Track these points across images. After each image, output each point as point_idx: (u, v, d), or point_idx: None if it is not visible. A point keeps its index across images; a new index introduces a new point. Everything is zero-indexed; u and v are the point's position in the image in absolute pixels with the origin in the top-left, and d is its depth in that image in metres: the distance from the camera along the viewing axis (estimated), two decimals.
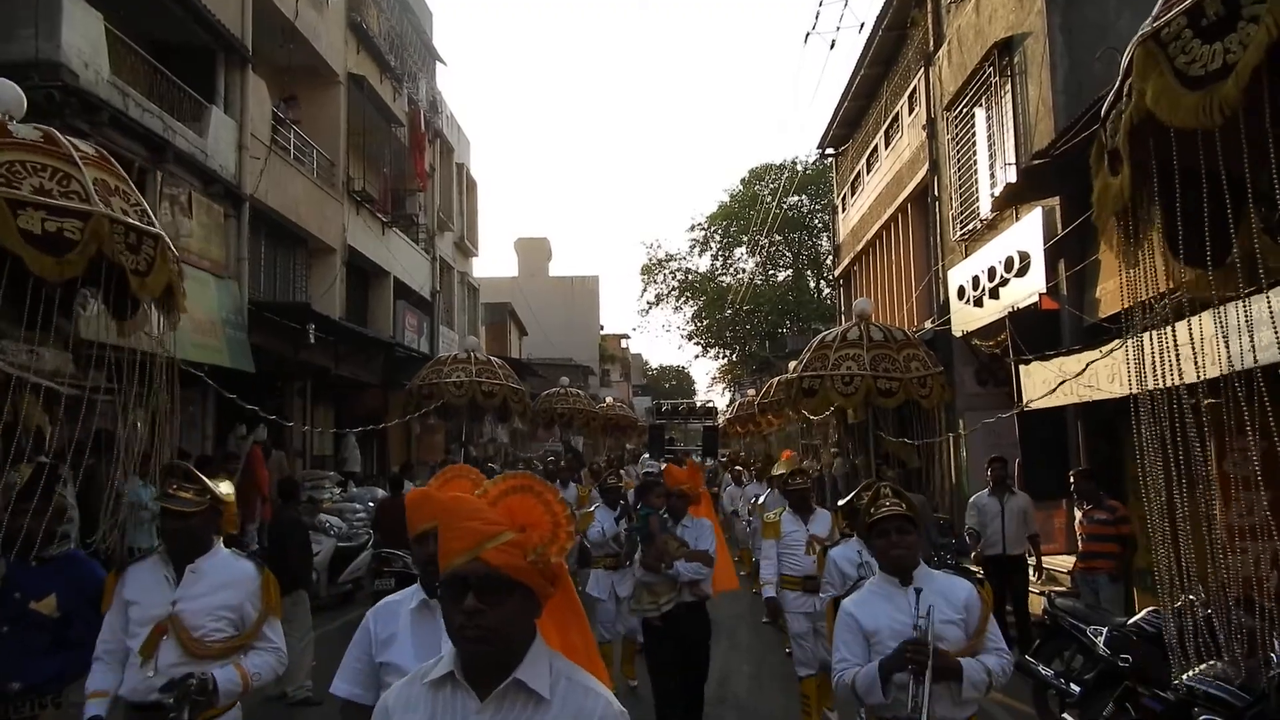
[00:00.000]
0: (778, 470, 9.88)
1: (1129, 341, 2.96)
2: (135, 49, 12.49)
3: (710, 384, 61.10)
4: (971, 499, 9.96)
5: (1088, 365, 7.88)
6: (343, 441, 18.55)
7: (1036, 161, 9.33)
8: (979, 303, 12.40)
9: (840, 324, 23.20)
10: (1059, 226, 10.33)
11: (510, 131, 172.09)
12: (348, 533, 13.45)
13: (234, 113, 14.76)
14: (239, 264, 14.73)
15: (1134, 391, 3.04)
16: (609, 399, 22.90)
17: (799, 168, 38.90)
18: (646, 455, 27.46)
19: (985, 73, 12.40)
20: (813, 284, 43.88)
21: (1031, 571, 9.80)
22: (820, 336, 9.91)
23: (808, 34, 17.69)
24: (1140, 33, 2.49)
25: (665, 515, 6.37)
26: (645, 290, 48.88)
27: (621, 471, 19.58)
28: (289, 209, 16.50)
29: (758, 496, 12.31)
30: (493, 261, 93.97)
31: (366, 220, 20.43)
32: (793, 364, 17.53)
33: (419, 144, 22.74)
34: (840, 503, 6.82)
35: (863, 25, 16.81)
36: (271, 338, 15.03)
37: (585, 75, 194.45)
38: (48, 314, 4.24)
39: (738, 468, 17.11)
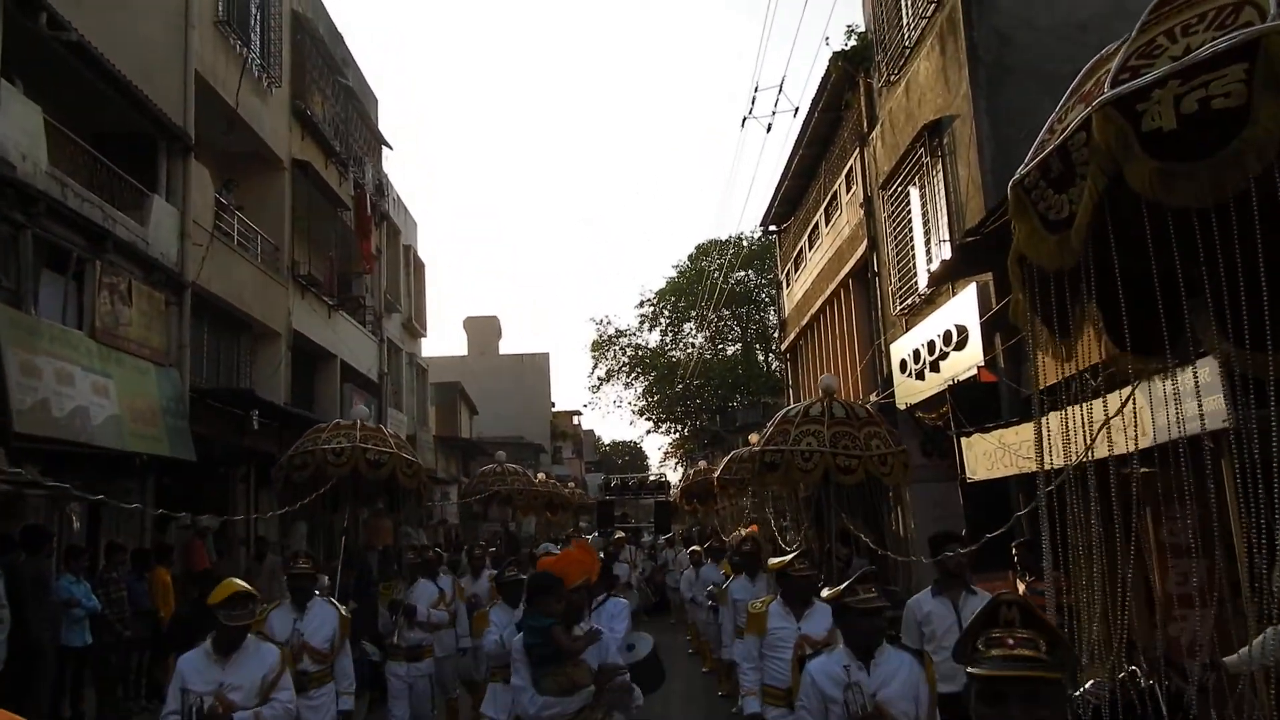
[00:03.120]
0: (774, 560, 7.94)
1: (1061, 413, 3.08)
2: (74, 139, 12.47)
3: (663, 459, 60.98)
4: (909, 603, 6.35)
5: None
6: (290, 529, 18.18)
7: (968, 239, 9.59)
8: (921, 375, 12.60)
9: (789, 398, 23.48)
10: (993, 300, 10.57)
11: (457, 212, 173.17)
12: None
13: (176, 200, 14.71)
14: (180, 351, 14.54)
15: (1049, 466, 3.16)
16: (541, 475, 22.41)
17: (744, 243, 39.53)
18: (596, 534, 27.25)
19: (917, 153, 12.78)
20: (761, 357, 44.30)
21: None
22: (784, 411, 9.88)
23: (744, 119, 18.17)
24: (1012, 180, 2.70)
25: (556, 624, 4.96)
26: (596, 367, 49.01)
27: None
28: (232, 295, 16.39)
29: (716, 583, 10.77)
30: (442, 340, 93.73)
31: (312, 304, 20.33)
32: (753, 436, 17.57)
33: (365, 227, 22.77)
34: (826, 593, 4.91)
35: (797, 110, 17.28)
36: (214, 425, 14.83)
37: (532, 156, 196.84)
38: None
39: (695, 548, 14.89)
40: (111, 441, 11.72)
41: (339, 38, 23.35)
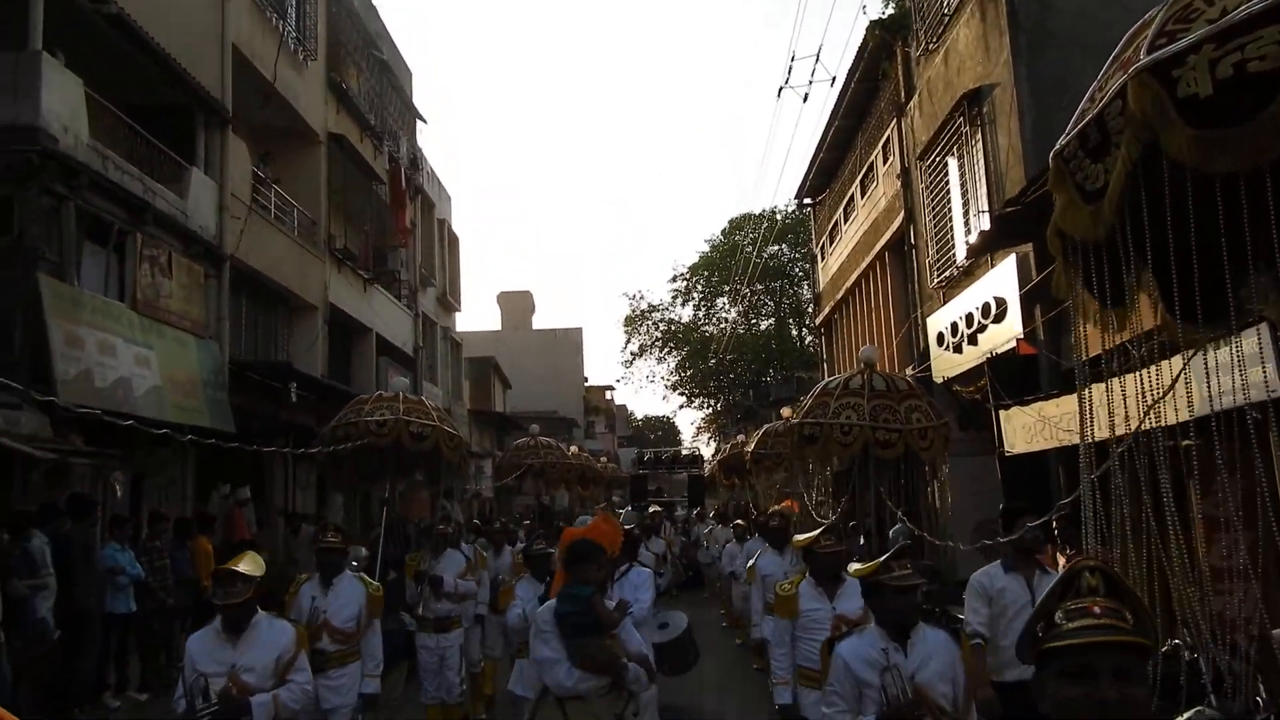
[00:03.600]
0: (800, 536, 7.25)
1: (1106, 385, 3.03)
2: (114, 112, 12.57)
3: (695, 433, 61.00)
4: (974, 579, 5.82)
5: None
6: (327, 500, 18.38)
7: (1008, 209, 9.46)
8: (958, 349, 12.48)
9: (823, 372, 23.36)
10: (1033, 272, 10.44)
11: (491, 186, 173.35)
12: None
13: (214, 173, 14.83)
14: (220, 324, 14.71)
15: (1096, 438, 3.11)
16: (574, 448, 22.32)
17: (778, 217, 39.29)
18: (630, 508, 27.29)
19: (955, 122, 12.60)
20: (795, 332, 44.10)
21: None
22: (824, 383, 9.66)
23: (780, 89, 18.03)
24: (1053, 150, 2.66)
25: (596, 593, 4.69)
26: (629, 341, 49.03)
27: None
28: (270, 268, 16.53)
29: (752, 555, 10.00)
30: (475, 315, 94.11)
31: (348, 277, 20.46)
32: (786, 410, 17.50)
33: (400, 201, 22.86)
34: (854, 567, 4.58)
35: (834, 79, 17.08)
36: (253, 397, 14.98)
37: (565, 129, 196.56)
38: None
39: (739, 522, 14.36)
40: (153, 412, 11.86)
41: (373, 11, 23.35)
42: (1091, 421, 2.77)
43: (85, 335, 10.85)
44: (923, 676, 3.80)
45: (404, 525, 9.47)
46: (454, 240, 31.35)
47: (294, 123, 18.36)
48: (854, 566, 4.37)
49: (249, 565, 4.79)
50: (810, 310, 41.54)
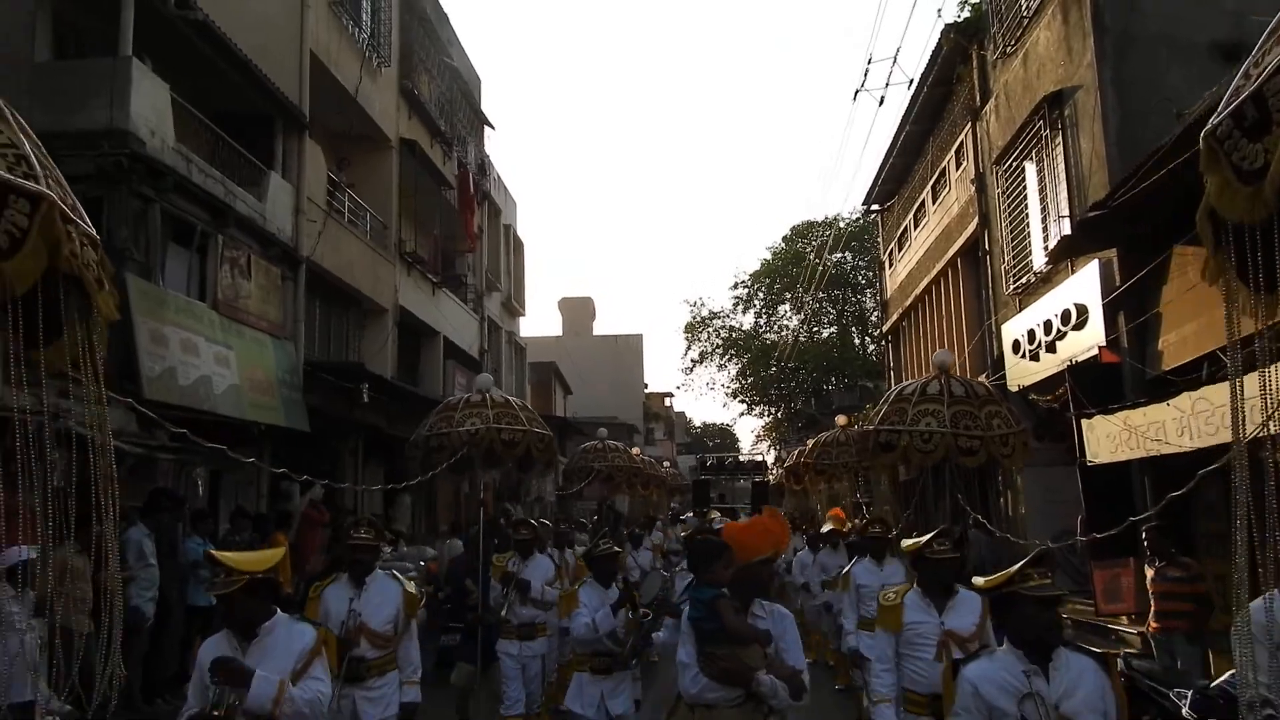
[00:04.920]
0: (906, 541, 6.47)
1: (1230, 384, 2.88)
2: (198, 116, 12.87)
3: (755, 441, 60.68)
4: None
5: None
6: (395, 501, 18.59)
7: (1093, 213, 9.26)
8: (1035, 357, 12.25)
9: (889, 381, 23.07)
10: (1117, 279, 10.22)
11: (555, 192, 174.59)
12: None
13: (291, 177, 15.12)
14: (295, 325, 14.98)
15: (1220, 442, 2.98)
16: (635, 450, 22.17)
17: (841, 224, 38.98)
18: (690, 514, 27.17)
19: (1035, 126, 12.39)
20: (858, 340, 43.70)
21: None
22: (899, 388, 9.41)
23: (857, 91, 17.97)
24: (1204, 130, 2.55)
25: (723, 595, 4.31)
26: (689, 348, 48.94)
27: (660, 533, 18.85)
28: (344, 270, 16.80)
29: (841, 567, 9.49)
30: (537, 321, 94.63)
31: (417, 281, 20.72)
32: (841, 418, 17.32)
33: (468, 206, 23.11)
34: (979, 581, 4.20)
35: (912, 81, 16.90)
36: (325, 397, 15.21)
37: (629, 136, 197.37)
38: None
39: (814, 531, 13.17)
40: (232, 410, 12.12)
41: (444, 18, 23.64)
42: (1242, 417, 2.62)
43: (169, 334, 11.11)
44: (1069, 707, 3.35)
45: (502, 523, 9.19)
46: (519, 246, 31.60)
47: (367, 128, 18.65)
48: (977, 579, 3.93)
49: (244, 557, 4.28)
50: (875, 318, 41.20)
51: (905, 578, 7.30)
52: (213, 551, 4.34)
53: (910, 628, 5.07)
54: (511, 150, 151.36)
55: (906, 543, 5.57)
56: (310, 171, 15.58)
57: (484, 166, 26.22)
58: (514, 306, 30.63)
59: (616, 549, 6.96)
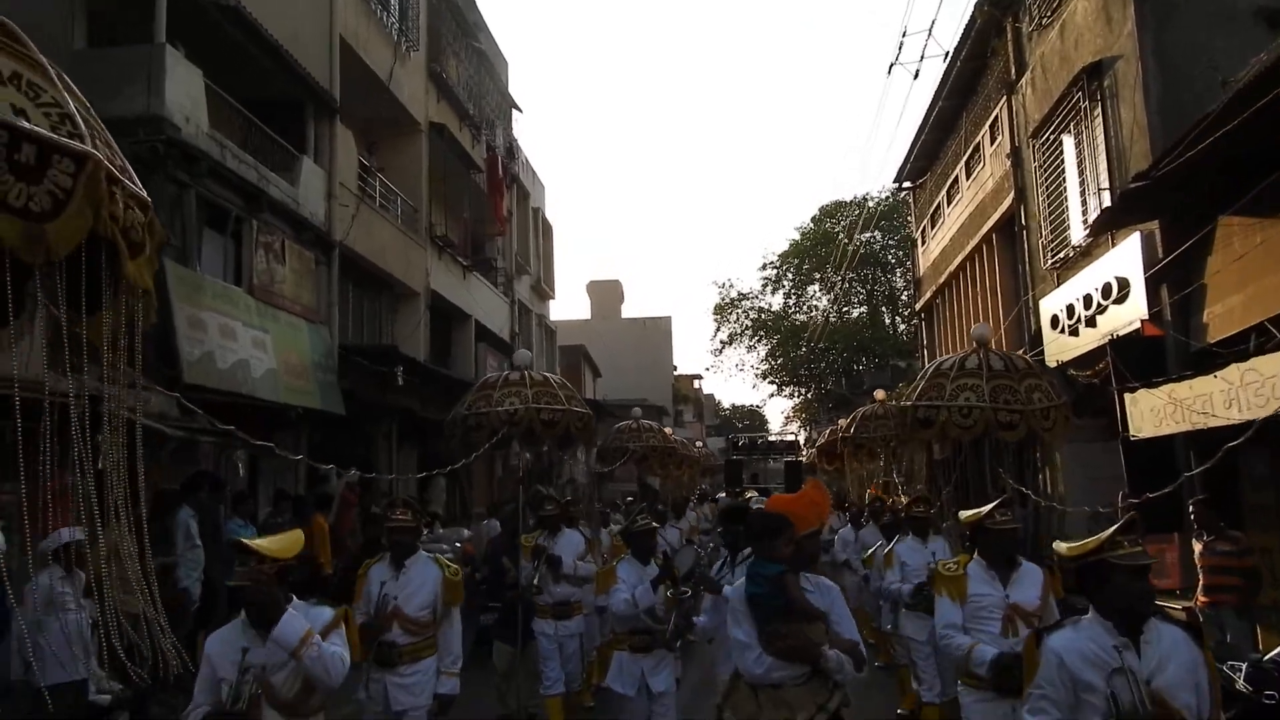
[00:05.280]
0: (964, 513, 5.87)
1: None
2: (230, 102, 12.91)
3: (785, 422, 60.51)
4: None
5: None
6: (429, 483, 18.68)
7: (1136, 184, 9.11)
8: (1075, 332, 12.10)
9: (923, 359, 22.91)
10: (1160, 251, 10.05)
11: (582, 175, 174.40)
12: None
13: (323, 162, 15.16)
14: (329, 309, 15.05)
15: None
16: (668, 429, 21.94)
17: (870, 203, 38.68)
18: (723, 495, 27.16)
19: (1073, 98, 12.20)
20: (888, 320, 43.43)
21: None
22: (936, 364, 9.23)
23: (891, 64, 17.70)
24: None
25: (787, 571, 4.19)
26: (718, 330, 48.81)
27: (693, 512, 18.79)
28: (376, 255, 16.85)
29: (881, 545, 9.30)
30: (565, 304, 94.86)
31: (448, 265, 20.76)
32: (879, 393, 17.13)
33: (497, 189, 23.10)
34: (1062, 548, 3.67)
35: (947, 54, 16.67)
36: (360, 381, 15.28)
37: (656, 117, 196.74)
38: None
39: (855, 508, 13.18)
40: (269, 394, 12.20)
41: (471, 1, 23.59)
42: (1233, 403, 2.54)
43: (207, 319, 11.19)
44: (1161, 682, 3.14)
45: (540, 499, 9.06)
46: (548, 229, 31.59)
47: (397, 112, 18.66)
48: (1059, 544, 3.61)
49: (275, 543, 4.07)
50: (905, 297, 40.90)
51: (950, 555, 7.26)
52: (243, 539, 4.22)
53: (974, 600, 4.89)
54: (539, 133, 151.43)
55: (965, 514, 5.41)
56: (341, 156, 15.62)
57: (512, 150, 26.20)
58: (543, 289, 30.66)
59: (654, 525, 6.79)
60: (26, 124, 2.22)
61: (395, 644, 5.43)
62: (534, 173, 29.73)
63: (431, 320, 19.97)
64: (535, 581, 7.89)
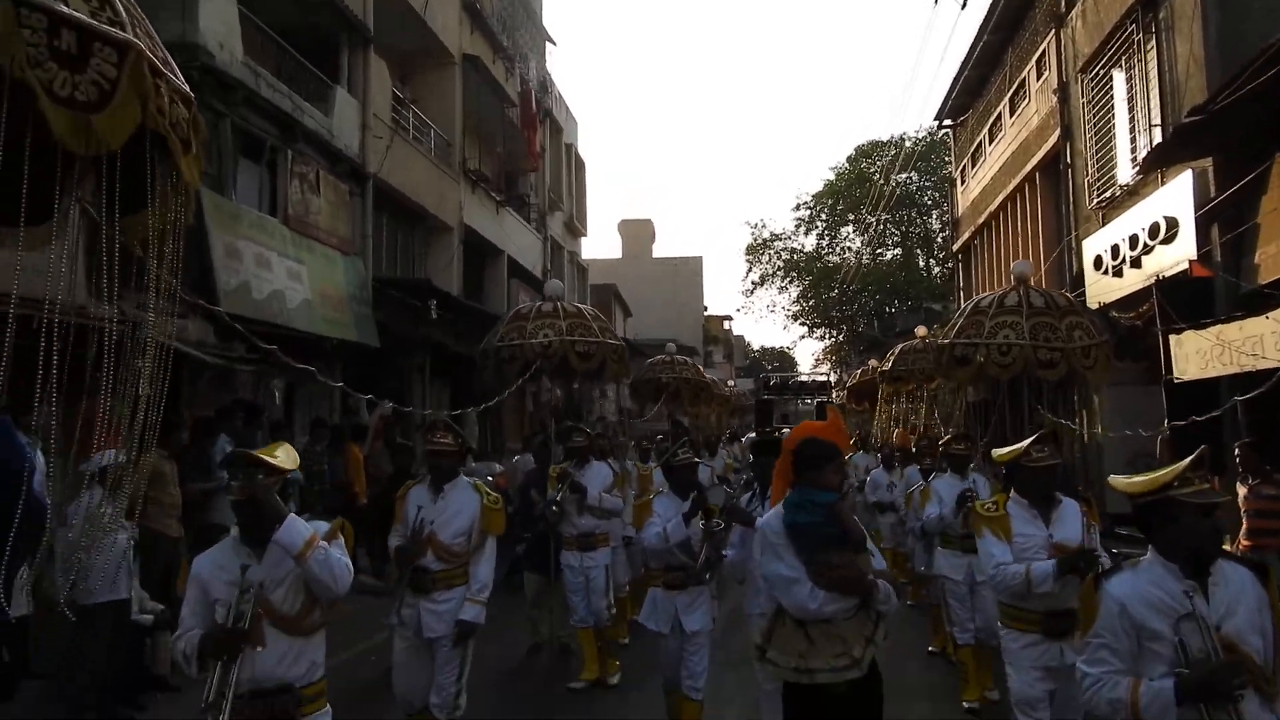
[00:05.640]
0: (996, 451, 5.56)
1: None
2: (264, 30, 12.77)
3: (815, 365, 60.24)
4: None
5: None
6: (461, 417, 18.78)
7: (1192, 119, 8.84)
8: (1119, 273, 11.89)
9: (959, 300, 22.62)
10: (1212, 189, 9.80)
11: (614, 112, 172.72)
12: None
13: (357, 93, 15.02)
14: (364, 241, 15.03)
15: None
16: (700, 367, 21.69)
17: (907, 144, 37.98)
18: (752, 434, 27.08)
19: (1126, 31, 11.83)
20: (922, 263, 42.91)
21: None
22: (975, 301, 9.02)
23: None
24: None
25: (840, 499, 4.01)
26: (750, 271, 48.43)
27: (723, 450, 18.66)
28: (409, 188, 16.76)
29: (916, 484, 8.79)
30: (596, 243, 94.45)
31: (481, 199, 20.64)
32: (920, 329, 16.86)
33: (531, 124, 22.86)
34: (1119, 482, 3.49)
35: None
36: (394, 314, 15.29)
37: (689, 53, 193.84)
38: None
39: (889, 447, 12.73)
40: (305, 325, 12.23)
41: None
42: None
43: (243, 248, 11.19)
44: (1231, 627, 2.91)
45: (569, 430, 8.98)
46: (581, 165, 31.31)
47: (430, 43, 18.42)
48: (1117, 478, 3.32)
49: (280, 455, 3.80)
50: (943, 239, 40.31)
51: (988, 491, 7.18)
52: (244, 450, 3.90)
53: (1018, 541, 4.66)
54: (572, 67, 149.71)
55: (1000, 451, 5.20)
56: (375, 87, 15.46)
57: (546, 84, 25.88)
58: (576, 227, 30.48)
59: (695, 459, 6.43)
60: (65, 7, 2.12)
61: (429, 570, 5.31)
62: (567, 108, 29.39)
63: (464, 255, 19.91)
64: (557, 499, 7.75)
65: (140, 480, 5.28)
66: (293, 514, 3.73)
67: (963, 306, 9.66)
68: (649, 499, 6.22)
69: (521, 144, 22.82)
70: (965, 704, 6.80)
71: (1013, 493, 4.90)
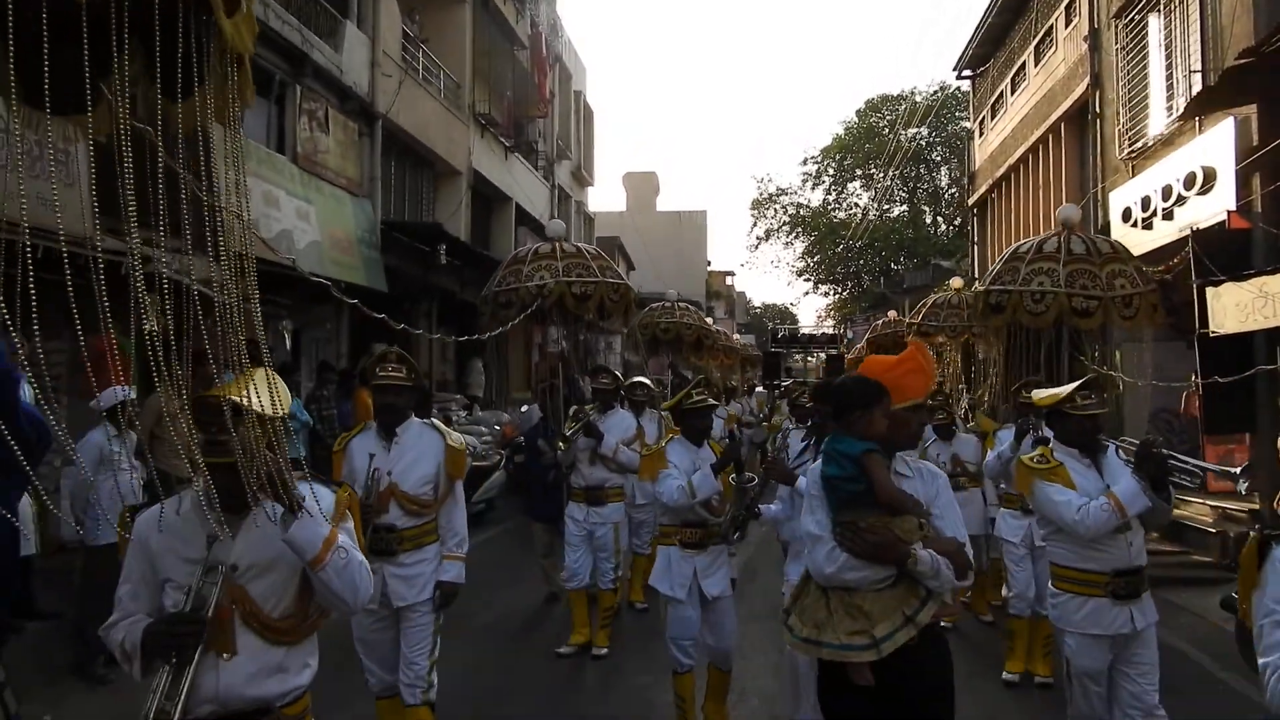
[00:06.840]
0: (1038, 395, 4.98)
1: None
2: None
3: (818, 321, 59.98)
4: None
5: None
6: (467, 366, 18.54)
7: (1240, 61, 8.49)
8: (1149, 225, 11.57)
9: (973, 256, 22.27)
10: (1255, 137, 9.47)
11: (619, 62, 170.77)
12: (479, 453, 13.37)
13: (366, 29, 14.61)
14: (372, 183, 14.69)
15: None
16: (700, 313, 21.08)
17: (919, 98, 37.40)
18: (759, 388, 26.74)
19: None
20: (930, 219, 42.47)
21: None
22: (1014, 247, 8.65)
23: None
24: None
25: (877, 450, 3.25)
26: (755, 225, 48.01)
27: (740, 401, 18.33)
28: (419, 130, 16.39)
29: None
30: (601, 195, 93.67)
31: (490, 144, 20.25)
32: (955, 281, 16.41)
33: (541, 67, 22.40)
34: (1039, 394, 4.48)
35: None
36: (403, 258, 15.01)
37: (697, 2, 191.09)
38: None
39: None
40: (314, 266, 11.91)
41: None
42: None
43: (251, 185, 10.83)
44: None
45: (577, 380, 8.62)
46: (589, 113, 30.81)
47: None
48: (1038, 391, 3.21)
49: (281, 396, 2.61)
50: (949, 195, 39.84)
51: (978, 455, 7.45)
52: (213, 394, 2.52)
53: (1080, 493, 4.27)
54: (579, 13, 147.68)
55: (1040, 394, 4.78)
56: (385, 23, 15.04)
57: (556, 27, 25.34)
58: (583, 176, 30.04)
59: (712, 401, 5.60)
60: None
61: (394, 528, 4.47)
62: (576, 54, 28.84)
63: (472, 201, 19.56)
64: (567, 434, 7.20)
65: (149, 419, 4.98)
66: (308, 495, 2.61)
67: (1003, 254, 9.26)
68: (661, 447, 5.40)
69: (531, 89, 22.37)
70: (1005, 675, 6.51)
71: (1053, 443, 4.59)
